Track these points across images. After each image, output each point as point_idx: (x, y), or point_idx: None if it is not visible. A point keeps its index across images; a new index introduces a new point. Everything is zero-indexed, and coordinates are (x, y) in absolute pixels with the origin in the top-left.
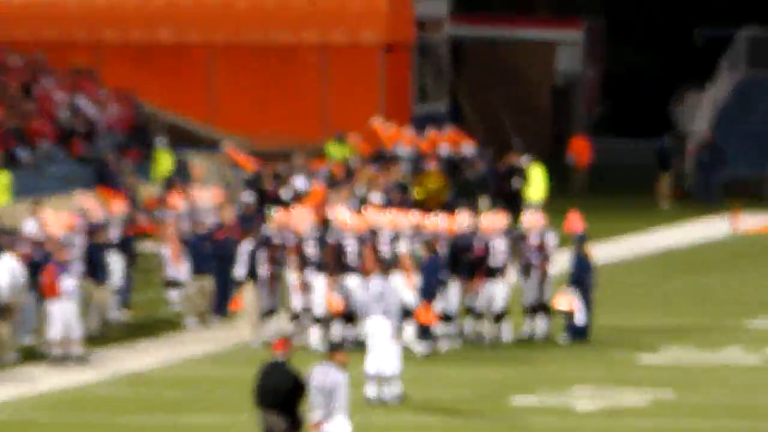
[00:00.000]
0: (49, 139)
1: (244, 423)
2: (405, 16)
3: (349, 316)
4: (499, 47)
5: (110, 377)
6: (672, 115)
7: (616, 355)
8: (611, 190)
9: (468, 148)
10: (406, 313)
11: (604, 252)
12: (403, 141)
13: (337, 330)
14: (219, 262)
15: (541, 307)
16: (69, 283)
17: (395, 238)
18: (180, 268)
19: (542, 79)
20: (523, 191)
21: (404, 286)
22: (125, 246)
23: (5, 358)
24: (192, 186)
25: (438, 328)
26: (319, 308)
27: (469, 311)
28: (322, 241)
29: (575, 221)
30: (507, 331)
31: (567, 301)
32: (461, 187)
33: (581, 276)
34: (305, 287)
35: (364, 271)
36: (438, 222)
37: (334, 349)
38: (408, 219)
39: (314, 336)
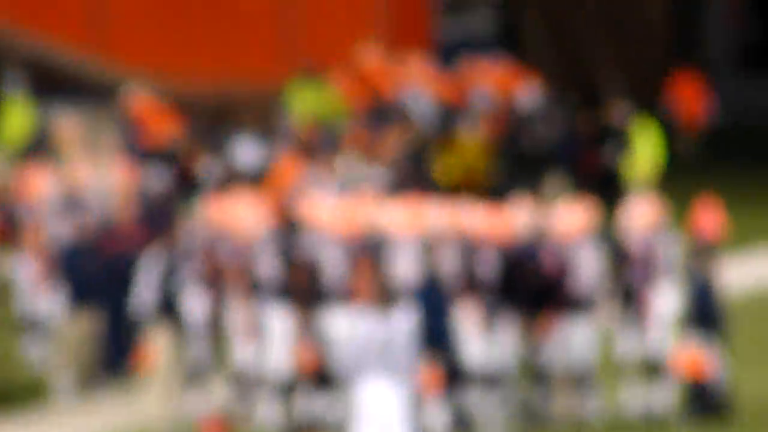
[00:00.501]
0: None
1: None
2: None
3: (327, 378)
4: None
5: None
6: None
7: None
8: (752, 163)
9: (529, 95)
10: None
11: (740, 271)
12: (417, 84)
13: (308, 401)
14: (113, 288)
15: (653, 367)
16: None
17: (406, 248)
18: (46, 299)
19: None
20: (623, 167)
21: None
22: None
23: None
24: (66, 158)
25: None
26: (277, 365)
27: (532, 370)
28: (285, 255)
29: (707, 219)
30: (594, 405)
31: (691, 356)
32: (517, 162)
33: (707, 311)
34: (254, 330)
35: (354, 303)
36: (477, 219)
37: None
38: (429, 214)
39: (269, 411)
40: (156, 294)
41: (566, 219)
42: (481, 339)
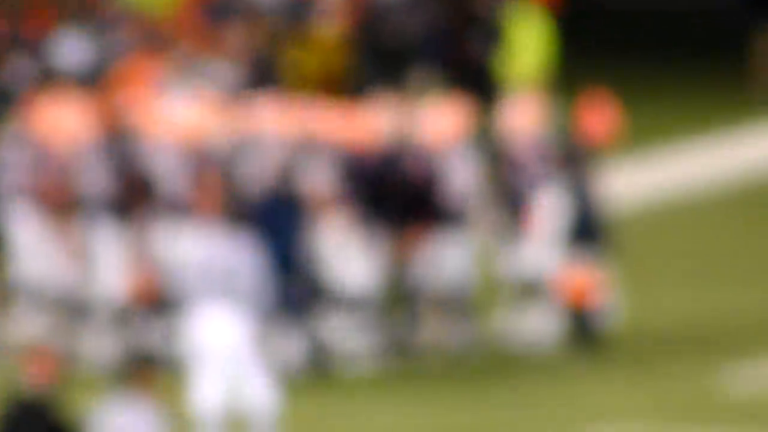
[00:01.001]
0: None
1: None
2: None
3: (164, 305)
4: None
5: None
6: None
7: (662, 369)
8: (654, 49)
9: None
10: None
11: (634, 181)
12: None
13: (143, 331)
14: None
15: (532, 289)
16: None
17: (257, 157)
18: None
19: None
20: (495, 63)
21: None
22: None
23: None
24: None
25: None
26: (107, 291)
27: (398, 292)
28: (115, 167)
29: (593, 119)
30: (469, 332)
31: (569, 277)
32: (378, 57)
33: (587, 226)
34: (79, 252)
35: (195, 221)
36: (334, 123)
37: (137, 366)
38: (278, 119)
39: (97, 343)
40: None
41: (434, 121)
42: (342, 258)
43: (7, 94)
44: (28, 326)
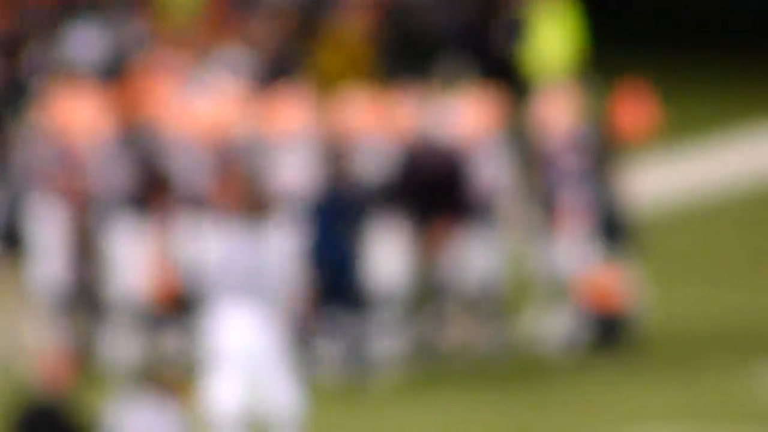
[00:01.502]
0: None
1: None
2: None
3: (187, 306)
4: None
5: None
6: None
7: (694, 371)
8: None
9: None
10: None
11: (669, 176)
12: None
13: (165, 333)
14: None
15: (562, 290)
16: None
17: (284, 150)
18: None
19: None
20: (522, 56)
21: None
22: None
23: None
24: None
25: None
26: (127, 292)
27: (425, 292)
28: (135, 162)
29: (630, 110)
30: (499, 333)
31: (594, 279)
32: (406, 50)
33: (615, 223)
34: (98, 251)
35: (219, 217)
36: (360, 116)
37: (158, 368)
38: (304, 113)
39: (116, 345)
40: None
41: (462, 115)
42: (374, 256)
43: (24, 87)
44: (46, 327)
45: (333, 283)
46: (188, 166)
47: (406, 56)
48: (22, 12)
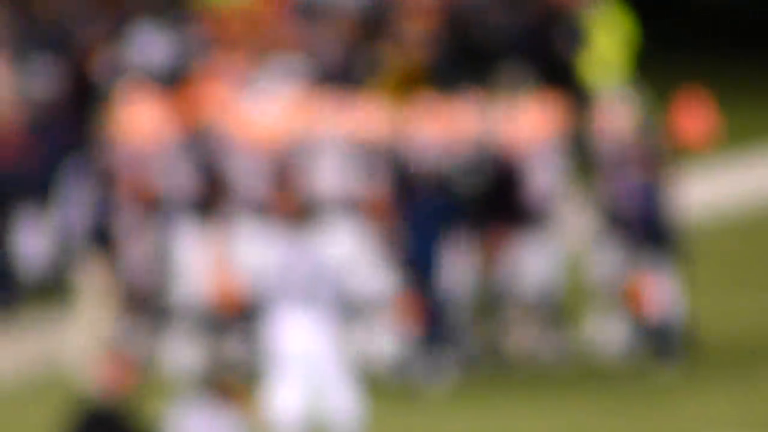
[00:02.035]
0: None
1: None
2: None
3: (247, 312)
4: None
5: None
6: None
7: (749, 377)
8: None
9: None
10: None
11: (725, 184)
12: None
13: (226, 336)
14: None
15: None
16: None
17: (336, 157)
18: None
19: None
20: (580, 61)
21: (354, 253)
22: None
23: None
24: None
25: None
26: (187, 293)
27: (488, 300)
28: (196, 166)
29: (688, 117)
30: (558, 340)
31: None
32: (466, 55)
33: (664, 230)
34: (162, 256)
35: (273, 224)
36: (421, 124)
37: (219, 374)
38: (363, 118)
39: (176, 347)
40: (90, 219)
41: (522, 121)
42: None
43: (95, 92)
44: (115, 329)
45: (418, 286)
46: (248, 171)
47: (467, 62)
48: (88, 19)
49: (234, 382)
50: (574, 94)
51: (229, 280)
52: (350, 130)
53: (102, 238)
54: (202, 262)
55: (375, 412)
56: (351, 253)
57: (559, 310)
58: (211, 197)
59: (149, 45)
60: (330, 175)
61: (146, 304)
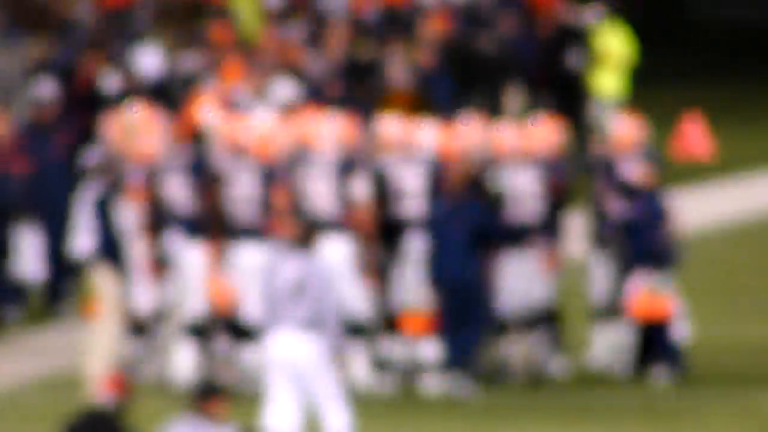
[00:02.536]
0: None
1: None
2: None
3: (240, 323)
4: None
5: None
6: None
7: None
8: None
9: None
10: (355, 328)
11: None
12: None
13: (224, 348)
14: None
15: (616, 309)
16: None
17: (342, 169)
18: None
19: None
20: (587, 75)
21: (350, 271)
22: None
23: None
24: None
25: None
26: (190, 305)
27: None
28: (194, 180)
29: (689, 136)
30: (555, 354)
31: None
32: (473, 71)
33: (664, 246)
34: (158, 267)
35: (270, 239)
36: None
37: (206, 391)
38: (367, 129)
39: (182, 359)
40: (96, 233)
41: (522, 136)
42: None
43: (99, 101)
44: (110, 341)
45: (459, 302)
46: (245, 186)
47: (474, 76)
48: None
49: (226, 395)
50: (580, 106)
51: (224, 294)
52: (342, 146)
53: (105, 248)
54: (197, 275)
55: (373, 427)
56: (338, 270)
57: (556, 323)
58: (206, 213)
59: (150, 60)
60: (321, 192)
61: (150, 316)
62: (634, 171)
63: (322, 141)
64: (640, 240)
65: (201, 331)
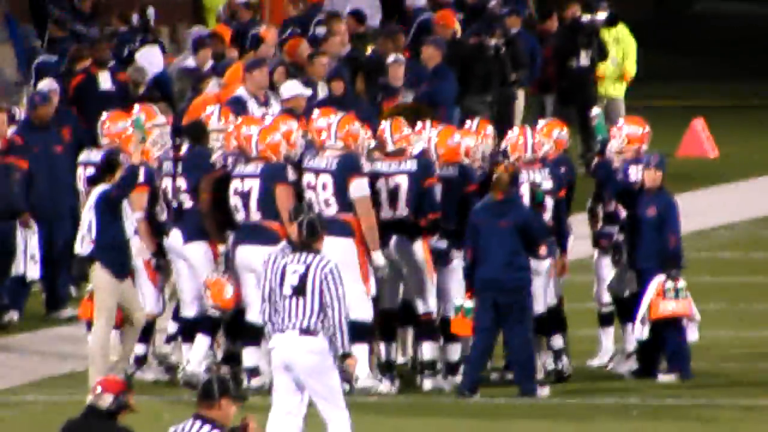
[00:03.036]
0: None
1: None
2: None
3: (244, 325)
4: None
5: None
6: None
7: None
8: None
9: None
10: (361, 329)
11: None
12: None
13: (226, 352)
14: None
15: (624, 312)
16: None
17: (346, 169)
18: None
19: None
20: (596, 75)
21: (355, 269)
22: None
23: None
24: None
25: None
26: (191, 306)
27: None
28: (198, 176)
29: (697, 139)
30: (565, 354)
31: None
32: (475, 73)
33: (673, 250)
34: (160, 267)
35: (271, 239)
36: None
37: (213, 392)
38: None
39: (183, 359)
40: (97, 233)
41: (523, 139)
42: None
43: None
44: (110, 343)
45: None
46: (249, 189)
47: (476, 79)
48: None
49: (228, 398)
50: (586, 109)
51: (227, 296)
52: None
53: (106, 248)
54: (202, 273)
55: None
56: (341, 270)
57: (563, 327)
58: (211, 211)
59: (152, 61)
60: (325, 192)
61: (150, 316)
62: (640, 173)
63: (326, 140)
64: (646, 242)
65: (201, 332)
